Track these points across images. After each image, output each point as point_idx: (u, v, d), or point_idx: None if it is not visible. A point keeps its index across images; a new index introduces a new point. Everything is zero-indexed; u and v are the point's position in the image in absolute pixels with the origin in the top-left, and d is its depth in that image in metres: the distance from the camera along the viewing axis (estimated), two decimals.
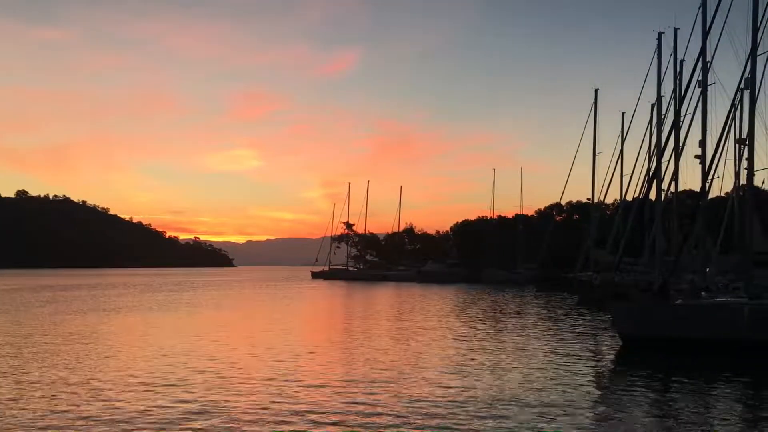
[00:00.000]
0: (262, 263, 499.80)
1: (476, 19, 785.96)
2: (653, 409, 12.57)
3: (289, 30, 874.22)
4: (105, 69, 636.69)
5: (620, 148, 56.25)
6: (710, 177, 27.08)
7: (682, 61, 39.38)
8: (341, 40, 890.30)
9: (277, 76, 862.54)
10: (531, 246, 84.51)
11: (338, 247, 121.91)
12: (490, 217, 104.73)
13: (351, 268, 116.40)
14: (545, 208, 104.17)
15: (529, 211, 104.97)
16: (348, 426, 10.96)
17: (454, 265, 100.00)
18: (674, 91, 39.32)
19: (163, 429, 10.73)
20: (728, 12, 25.86)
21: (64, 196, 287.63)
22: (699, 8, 30.45)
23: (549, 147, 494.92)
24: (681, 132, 33.27)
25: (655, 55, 44.75)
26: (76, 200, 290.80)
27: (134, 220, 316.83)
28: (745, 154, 25.97)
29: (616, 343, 22.13)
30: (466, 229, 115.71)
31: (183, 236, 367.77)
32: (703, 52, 27.76)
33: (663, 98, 44.00)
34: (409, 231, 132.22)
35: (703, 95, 30.33)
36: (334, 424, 11.12)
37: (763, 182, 31.19)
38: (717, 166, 27.31)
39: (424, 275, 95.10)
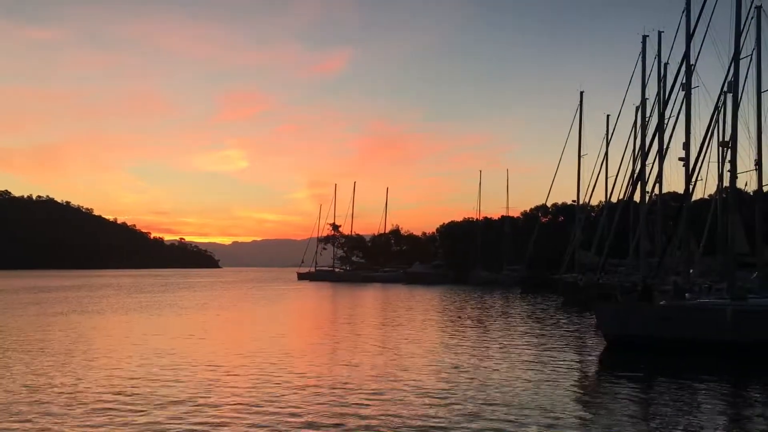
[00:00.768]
0: (248, 264, 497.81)
1: (465, 23, 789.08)
2: (637, 409, 12.64)
3: (279, 30, 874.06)
4: (92, 69, 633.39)
5: (605, 150, 56.74)
6: (694, 179, 27.34)
7: (666, 64, 39.77)
8: (331, 40, 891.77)
9: (265, 76, 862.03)
10: (517, 247, 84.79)
11: (324, 249, 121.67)
12: (477, 219, 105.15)
13: (337, 270, 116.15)
14: (531, 209, 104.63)
15: (515, 213, 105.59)
16: (326, 428, 10.92)
17: (440, 266, 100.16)
18: (658, 93, 39.70)
19: None
20: (711, 16, 26.13)
21: (48, 196, 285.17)
22: (683, 12, 30.77)
23: (535, 149, 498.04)
24: (665, 134, 33.53)
25: (640, 58, 45.20)
26: (60, 201, 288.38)
27: (119, 221, 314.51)
28: (728, 157, 26.23)
29: (601, 344, 22.25)
30: (452, 231, 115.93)
31: (168, 237, 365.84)
32: (686, 55, 28.01)
33: (647, 101, 44.39)
34: (396, 232, 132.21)
35: (687, 98, 30.62)
36: (311, 426, 11.07)
37: (746, 185, 31.44)
38: (700, 168, 27.54)
39: (411, 276, 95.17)
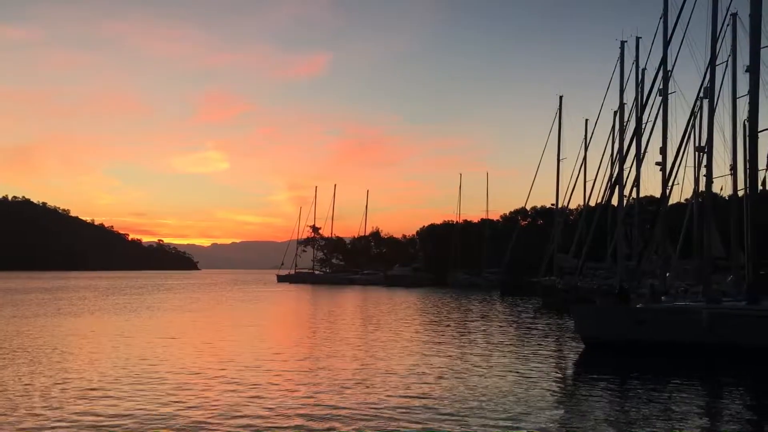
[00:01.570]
0: (228, 267, 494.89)
1: (444, 26, 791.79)
2: (613, 410, 12.74)
3: (258, 32, 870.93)
4: (69, 69, 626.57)
5: (584, 154, 57.19)
6: (670, 183, 27.65)
7: (644, 70, 40.21)
8: (310, 42, 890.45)
9: (245, 78, 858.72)
10: (496, 250, 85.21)
11: (304, 251, 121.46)
12: (456, 222, 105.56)
13: (317, 272, 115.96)
14: (510, 212, 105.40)
15: (495, 216, 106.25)
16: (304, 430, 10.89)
17: (419, 269, 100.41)
18: (636, 98, 40.11)
19: None
20: (688, 23, 26.49)
21: (24, 197, 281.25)
22: (660, 18, 31.10)
23: (515, 152, 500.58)
24: (642, 139, 33.90)
25: (618, 64, 45.68)
26: (36, 202, 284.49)
27: (96, 222, 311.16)
28: (704, 162, 26.61)
29: (579, 346, 22.41)
30: (432, 233, 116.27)
31: (146, 239, 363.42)
32: (664, 61, 28.34)
33: (625, 106, 44.85)
34: (376, 235, 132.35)
35: (664, 103, 30.96)
36: (285, 428, 11.03)
37: (721, 189, 31.93)
38: (677, 172, 27.91)
39: (390, 279, 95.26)
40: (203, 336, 25.80)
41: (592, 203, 52.35)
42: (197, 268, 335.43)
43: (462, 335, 26.29)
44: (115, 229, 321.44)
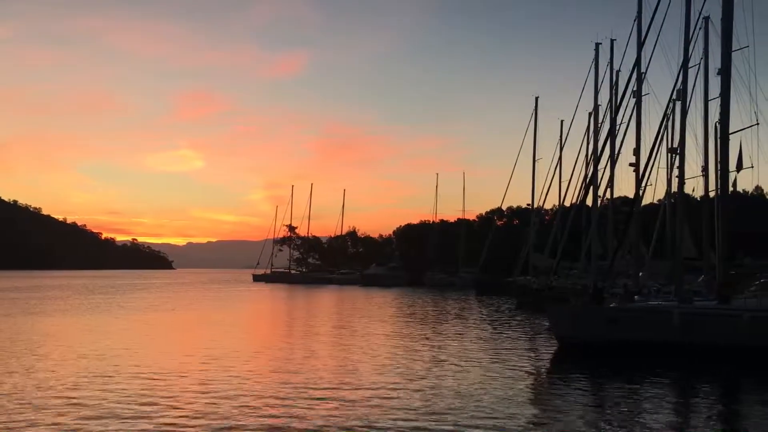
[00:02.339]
0: (203, 266, 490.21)
1: (423, 27, 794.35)
2: (586, 409, 12.81)
3: (237, 30, 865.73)
4: (43, 65, 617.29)
5: (559, 154, 57.64)
6: (644, 184, 27.94)
7: (618, 72, 40.73)
8: (289, 41, 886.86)
9: (222, 76, 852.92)
10: (472, 250, 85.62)
11: (280, 250, 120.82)
12: (433, 221, 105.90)
13: (293, 272, 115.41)
14: (486, 212, 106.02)
15: (471, 216, 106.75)
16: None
17: (396, 268, 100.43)
18: (610, 100, 40.58)
19: None
20: (662, 25, 26.76)
21: None
22: (634, 21, 31.52)
23: (491, 153, 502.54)
24: (616, 140, 34.28)
25: (593, 65, 46.22)
26: (6, 200, 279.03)
27: (68, 221, 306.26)
28: (677, 163, 26.93)
29: (553, 346, 22.54)
30: (408, 233, 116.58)
31: (120, 238, 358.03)
32: (637, 63, 28.64)
33: (600, 107, 45.40)
34: (352, 234, 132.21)
35: (638, 105, 31.36)
36: (257, 428, 10.92)
37: (693, 190, 32.39)
38: (650, 173, 28.18)
39: (367, 278, 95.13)
40: (174, 336, 25.51)
41: (567, 203, 52.81)
42: (172, 268, 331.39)
43: (436, 335, 26.30)
44: (88, 228, 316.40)
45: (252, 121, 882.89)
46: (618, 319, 21.44)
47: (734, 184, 24.80)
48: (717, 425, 12.03)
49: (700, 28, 27.76)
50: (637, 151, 31.28)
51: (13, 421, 11.21)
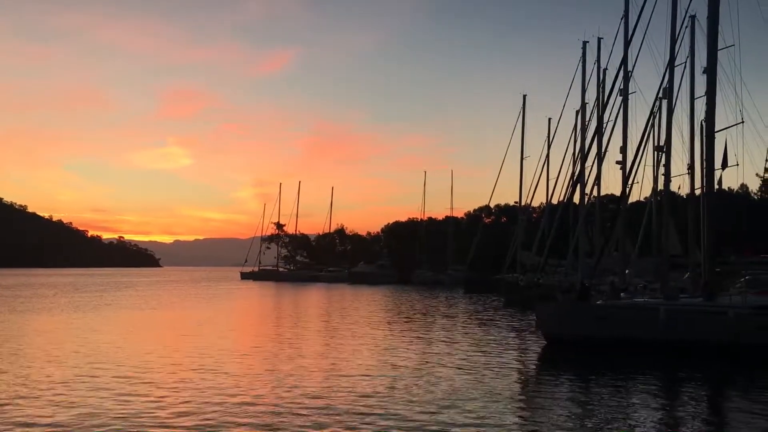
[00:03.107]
0: (190, 264, 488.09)
1: (411, 25, 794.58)
2: (573, 406, 12.85)
3: (225, 27, 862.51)
4: (29, 61, 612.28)
5: (547, 152, 57.90)
6: (630, 182, 28.08)
7: (605, 70, 40.81)
8: (277, 39, 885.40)
9: (210, 73, 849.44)
10: (460, 248, 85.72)
11: (268, 248, 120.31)
12: (421, 219, 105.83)
13: (281, 269, 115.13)
14: (474, 210, 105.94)
15: (459, 214, 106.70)
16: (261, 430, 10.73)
17: (384, 266, 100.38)
18: (597, 98, 40.72)
19: None
20: (648, 24, 26.90)
21: None
22: (621, 19, 31.63)
23: (479, 151, 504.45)
24: (603, 138, 34.38)
25: (580, 64, 46.35)
26: None
27: (54, 218, 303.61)
28: (663, 161, 27.12)
29: (541, 343, 22.62)
30: (396, 231, 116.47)
31: (106, 235, 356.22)
32: (624, 61, 28.76)
33: (587, 105, 45.51)
34: (340, 232, 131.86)
35: (625, 103, 31.50)
36: (243, 425, 10.87)
37: (679, 188, 32.59)
38: (636, 171, 28.36)
39: (355, 276, 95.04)
40: (160, 335, 25.37)
41: (555, 201, 53.01)
42: (159, 265, 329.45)
43: (424, 333, 26.31)
44: (74, 226, 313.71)
45: (240, 118, 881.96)
46: (605, 316, 21.54)
47: (720, 182, 24.92)
48: (703, 422, 12.11)
49: (686, 27, 27.94)
50: (623, 149, 31.44)
51: None
